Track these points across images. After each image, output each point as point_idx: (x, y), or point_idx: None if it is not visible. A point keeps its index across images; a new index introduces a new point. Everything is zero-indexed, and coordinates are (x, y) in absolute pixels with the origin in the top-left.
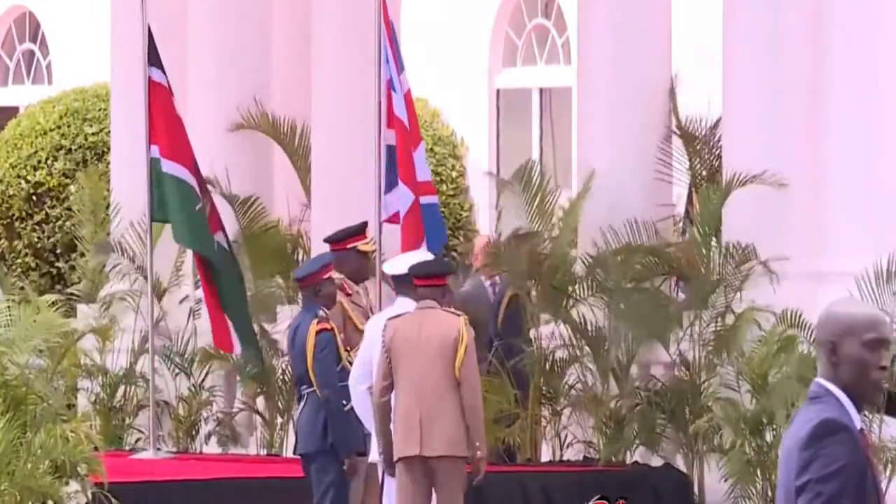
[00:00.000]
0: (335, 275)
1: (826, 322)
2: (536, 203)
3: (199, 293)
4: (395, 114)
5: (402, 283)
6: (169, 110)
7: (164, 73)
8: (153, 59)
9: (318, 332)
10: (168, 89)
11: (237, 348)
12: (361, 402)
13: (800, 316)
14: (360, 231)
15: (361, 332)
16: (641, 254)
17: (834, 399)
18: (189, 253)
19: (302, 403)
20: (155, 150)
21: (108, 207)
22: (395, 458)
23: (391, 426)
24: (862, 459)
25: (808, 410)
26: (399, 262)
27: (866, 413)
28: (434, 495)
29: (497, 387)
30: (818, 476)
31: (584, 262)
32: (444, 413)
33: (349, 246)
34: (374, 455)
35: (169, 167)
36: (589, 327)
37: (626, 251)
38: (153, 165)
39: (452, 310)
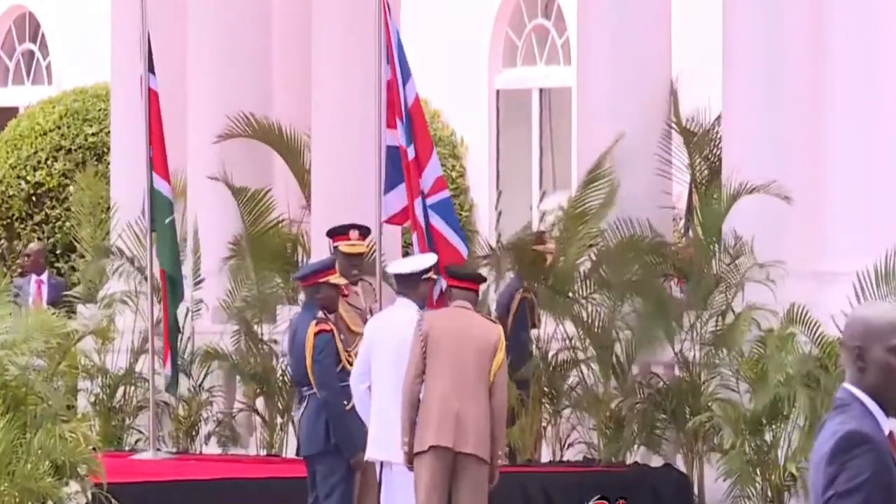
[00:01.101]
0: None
1: (852, 325)
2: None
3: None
4: (399, 137)
5: (404, 284)
6: (157, 117)
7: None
8: (151, 65)
9: (316, 334)
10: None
11: (168, 368)
12: (362, 401)
13: (806, 313)
14: (340, 231)
15: (354, 332)
16: (643, 252)
17: (860, 405)
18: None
19: (303, 405)
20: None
21: (108, 208)
22: (426, 445)
23: (417, 417)
24: (888, 469)
25: (833, 421)
26: (403, 263)
27: None
28: (454, 493)
29: None
30: (841, 490)
31: (589, 259)
32: (476, 414)
33: (333, 245)
34: (371, 454)
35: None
36: (594, 327)
37: (627, 250)
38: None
39: (490, 316)
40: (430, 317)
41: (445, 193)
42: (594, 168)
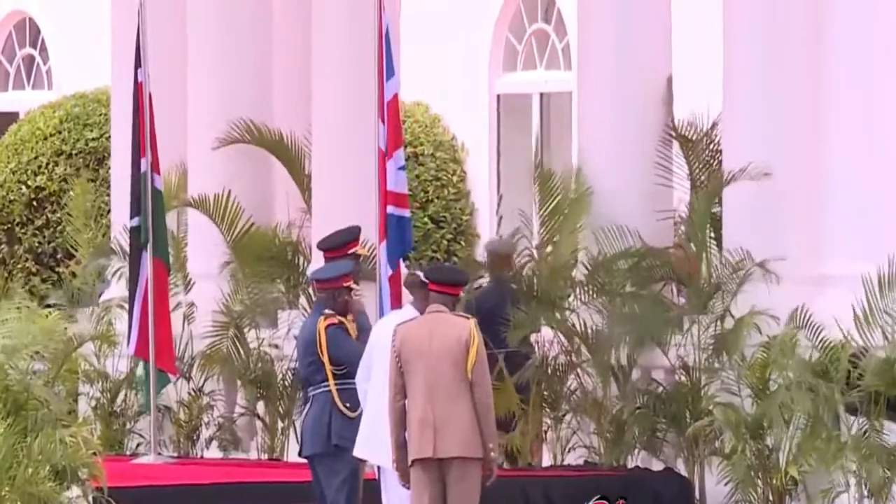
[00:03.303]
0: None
1: None
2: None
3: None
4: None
5: (413, 289)
6: (152, 117)
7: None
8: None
9: (327, 327)
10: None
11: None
12: (365, 398)
13: (810, 316)
14: (357, 236)
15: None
16: (641, 257)
17: None
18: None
19: (308, 405)
20: (144, 163)
21: (108, 212)
22: (410, 460)
23: (406, 433)
24: None
25: None
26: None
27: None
28: (448, 496)
29: (500, 392)
30: None
31: (585, 267)
32: (457, 415)
33: (350, 251)
34: (360, 453)
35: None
36: (589, 332)
37: (626, 255)
38: (143, 178)
39: (462, 313)
40: (401, 330)
41: (399, 211)
42: (546, 176)
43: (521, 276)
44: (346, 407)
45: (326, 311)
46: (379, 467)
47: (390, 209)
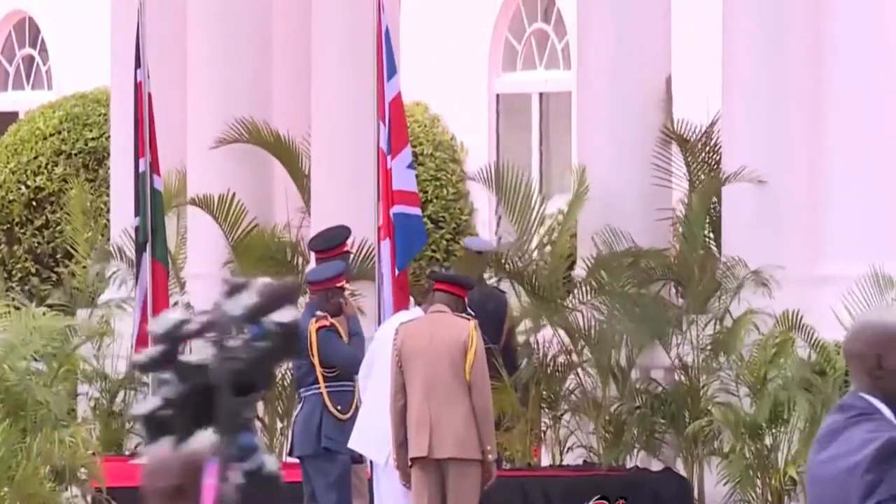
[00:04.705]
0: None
1: (867, 333)
2: (521, 208)
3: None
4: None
5: (426, 292)
6: (152, 118)
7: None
8: (146, 67)
9: (318, 330)
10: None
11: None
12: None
13: (800, 318)
14: (349, 234)
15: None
16: (639, 257)
17: (880, 414)
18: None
19: (300, 406)
20: (144, 163)
21: (108, 212)
22: (409, 458)
23: (406, 432)
24: None
25: (859, 429)
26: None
27: None
28: (447, 497)
29: (498, 392)
30: (886, 497)
31: (586, 264)
32: (454, 415)
33: (345, 250)
34: (354, 445)
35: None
36: (589, 332)
37: (625, 255)
38: (142, 178)
39: (463, 314)
40: (402, 329)
41: (406, 209)
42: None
43: (522, 276)
44: (338, 409)
45: (318, 312)
46: (372, 463)
47: (401, 208)
